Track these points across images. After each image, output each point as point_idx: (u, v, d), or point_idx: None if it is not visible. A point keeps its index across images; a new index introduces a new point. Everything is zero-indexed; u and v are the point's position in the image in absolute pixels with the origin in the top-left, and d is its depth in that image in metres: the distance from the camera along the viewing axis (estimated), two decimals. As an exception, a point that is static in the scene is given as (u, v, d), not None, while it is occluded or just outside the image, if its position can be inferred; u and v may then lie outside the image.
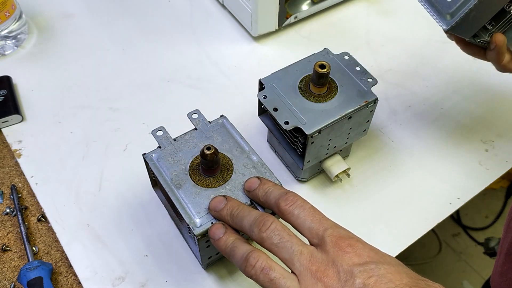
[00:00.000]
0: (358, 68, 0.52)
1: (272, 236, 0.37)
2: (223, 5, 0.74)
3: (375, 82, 0.50)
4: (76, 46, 0.70)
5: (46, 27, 0.72)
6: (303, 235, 0.37)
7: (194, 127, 0.48)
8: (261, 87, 0.51)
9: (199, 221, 0.41)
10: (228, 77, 0.66)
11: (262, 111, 0.54)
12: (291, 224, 0.38)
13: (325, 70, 0.47)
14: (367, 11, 0.75)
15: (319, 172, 0.56)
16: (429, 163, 0.58)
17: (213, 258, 0.47)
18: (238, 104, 0.63)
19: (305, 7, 0.72)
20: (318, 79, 0.48)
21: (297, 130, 0.47)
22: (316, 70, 0.47)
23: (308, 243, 0.37)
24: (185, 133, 0.47)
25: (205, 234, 0.41)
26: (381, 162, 0.57)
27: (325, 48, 0.54)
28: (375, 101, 0.49)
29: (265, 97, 0.49)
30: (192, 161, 0.45)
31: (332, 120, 0.47)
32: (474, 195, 0.55)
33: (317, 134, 0.47)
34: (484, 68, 0.65)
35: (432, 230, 0.53)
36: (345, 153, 0.56)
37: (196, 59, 0.68)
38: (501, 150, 0.59)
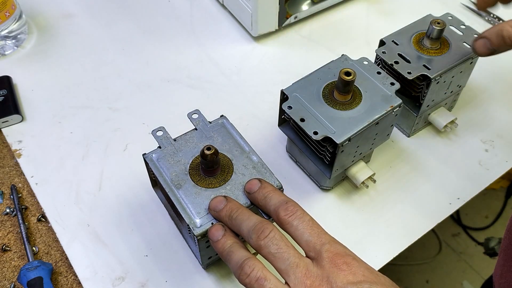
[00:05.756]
0: (378, 72, 0.51)
1: (269, 245, 0.37)
2: (223, 5, 0.74)
3: (398, 85, 0.50)
4: (76, 46, 0.70)
5: (46, 27, 0.72)
6: (300, 247, 0.38)
7: (194, 127, 0.48)
8: (284, 97, 0.50)
9: (199, 222, 0.41)
10: (228, 77, 0.66)
11: (282, 121, 0.53)
12: (289, 235, 0.38)
13: (351, 77, 0.46)
14: (367, 11, 0.75)
15: (343, 179, 0.55)
16: (429, 163, 0.58)
17: (213, 258, 0.47)
18: (238, 104, 0.63)
19: (305, 7, 0.72)
20: (344, 87, 0.47)
21: (325, 139, 0.47)
22: (342, 78, 0.46)
23: (305, 255, 0.37)
24: (185, 133, 0.47)
25: (205, 235, 0.41)
26: (380, 163, 0.57)
27: (343, 55, 0.53)
28: (400, 105, 0.48)
29: (290, 107, 0.48)
30: (192, 161, 0.45)
31: (361, 127, 0.46)
32: (474, 195, 0.55)
33: (347, 142, 0.46)
34: (483, 68, 0.65)
35: (432, 230, 0.53)
36: (367, 159, 0.56)
37: (196, 59, 0.68)
38: (501, 150, 0.59)
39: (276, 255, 0.37)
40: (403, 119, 0.59)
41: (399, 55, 0.53)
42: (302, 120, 0.47)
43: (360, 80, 0.50)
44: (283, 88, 0.50)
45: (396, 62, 0.52)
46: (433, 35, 0.52)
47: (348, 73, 0.46)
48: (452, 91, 0.56)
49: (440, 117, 0.58)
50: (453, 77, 0.54)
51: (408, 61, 0.52)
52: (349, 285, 0.34)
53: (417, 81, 0.53)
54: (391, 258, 0.50)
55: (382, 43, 0.55)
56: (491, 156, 0.58)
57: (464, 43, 0.54)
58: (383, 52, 0.53)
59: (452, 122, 0.58)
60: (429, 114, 0.58)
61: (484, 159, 0.58)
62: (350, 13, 0.75)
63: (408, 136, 0.60)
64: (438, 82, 0.52)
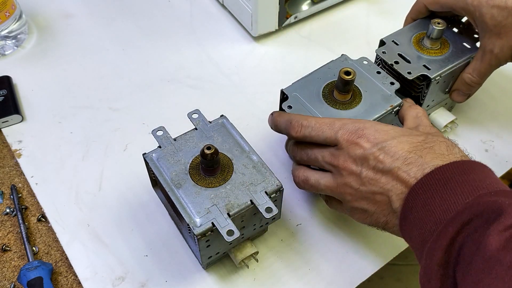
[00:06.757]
0: (378, 72, 0.51)
1: (301, 156, 0.46)
2: (223, 5, 0.74)
3: (397, 85, 0.50)
4: (76, 46, 0.70)
5: (46, 27, 0.72)
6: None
7: (194, 127, 0.48)
8: (284, 97, 0.50)
9: (199, 221, 0.41)
10: (228, 77, 0.66)
11: None
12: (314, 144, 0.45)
13: (350, 76, 0.46)
14: (367, 11, 0.75)
15: None
16: (429, 163, 0.58)
17: (213, 258, 0.47)
18: (238, 104, 0.63)
19: (305, 7, 0.72)
20: (344, 86, 0.47)
21: None
22: (342, 77, 0.46)
23: None
24: (185, 133, 0.47)
25: (205, 234, 0.41)
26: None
27: (343, 54, 0.53)
28: (400, 104, 0.49)
29: (290, 107, 0.48)
30: (192, 161, 0.45)
31: None
32: (474, 195, 0.55)
33: None
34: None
35: (432, 230, 0.53)
36: None
37: (196, 59, 0.68)
38: (501, 150, 0.59)
39: (308, 160, 0.46)
40: None
41: (399, 55, 0.53)
42: None
43: (360, 80, 0.50)
44: (283, 88, 0.50)
45: (396, 62, 0.52)
46: (433, 35, 0.52)
47: (348, 73, 0.46)
48: None
49: (440, 117, 0.58)
50: (453, 77, 0.54)
51: (408, 61, 0.52)
52: (366, 151, 0.41)
53: (417, 81, 0.53)
54: (391, 258, 0.50)
55: (382, 43, 0.55)
56: (491, 156, 0.58)
57: (464, 44, 0.54)
58: (383, 52, 0.53)
59: (452, 122, 0.58)
60: (429, 114, 0.58)
61: (484, 159, 0.58)
62: (350, 13, 0.75)
63: None
64: (438, 82, 0.52)
